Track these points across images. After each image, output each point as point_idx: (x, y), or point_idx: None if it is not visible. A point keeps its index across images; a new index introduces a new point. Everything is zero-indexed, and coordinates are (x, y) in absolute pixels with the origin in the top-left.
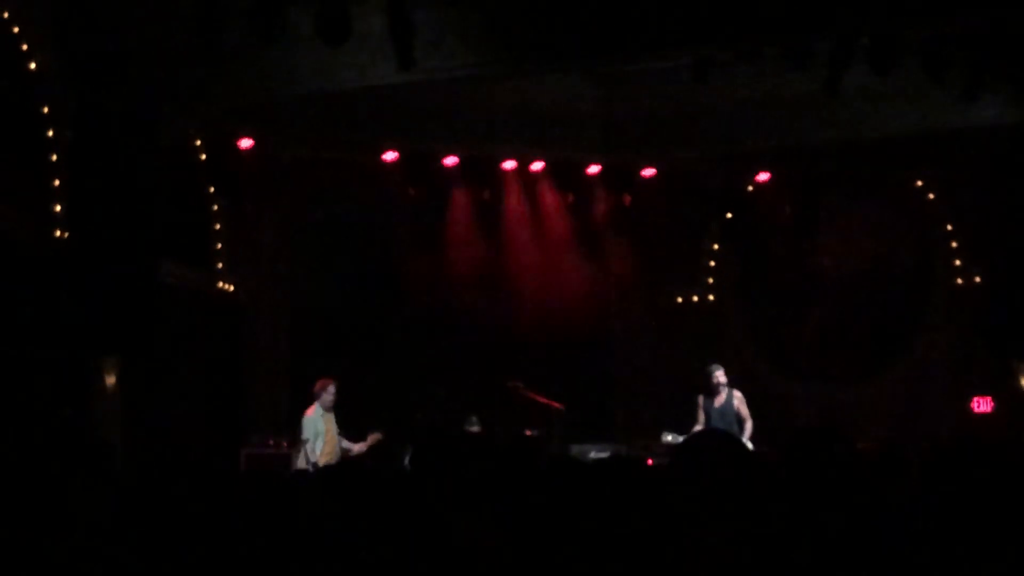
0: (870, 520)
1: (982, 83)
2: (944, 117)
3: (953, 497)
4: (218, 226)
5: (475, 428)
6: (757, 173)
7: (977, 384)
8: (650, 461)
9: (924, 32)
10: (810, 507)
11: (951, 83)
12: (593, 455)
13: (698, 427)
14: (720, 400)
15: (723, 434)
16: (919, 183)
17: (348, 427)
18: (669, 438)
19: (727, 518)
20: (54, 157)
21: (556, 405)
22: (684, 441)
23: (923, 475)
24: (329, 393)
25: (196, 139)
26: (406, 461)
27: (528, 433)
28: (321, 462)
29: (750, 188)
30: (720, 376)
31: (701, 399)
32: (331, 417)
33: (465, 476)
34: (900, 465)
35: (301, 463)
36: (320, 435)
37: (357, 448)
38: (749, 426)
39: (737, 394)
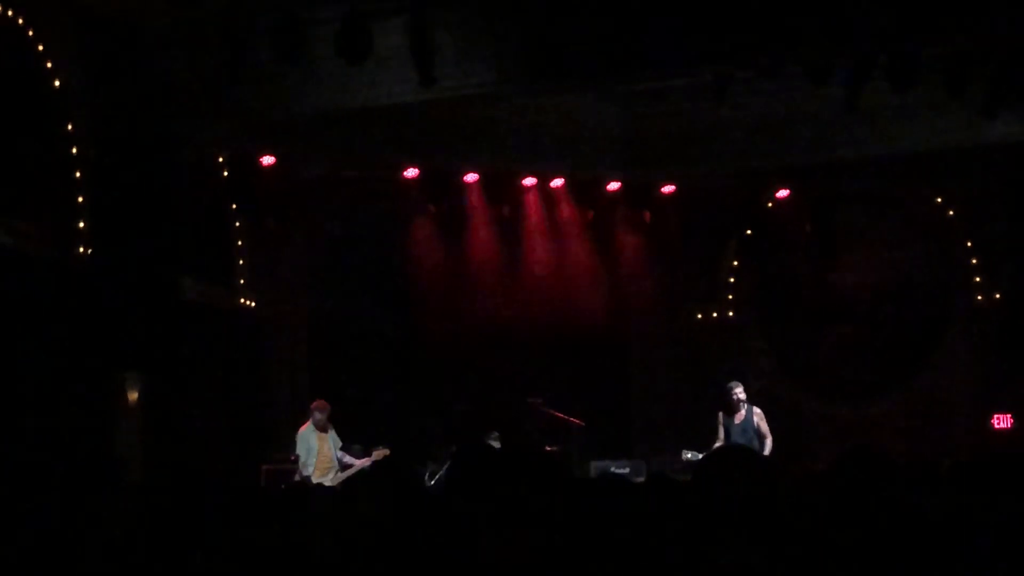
0: (899, 537)
1: (1001, 100)
2: (963, 134)
3: (977, 512)
4: (239, 243)
5: (495, 444)
6: (776, 190)
7: (997, 401)
8: None
9: (943, 49)
10: (838, 524)
11: (970, 100)
12: (612, 472)
13: (718, 444)
14: (740, 417)
15: (746, 449)
16: (938, 200)
17: (367, 442)
18: (689, 455)
19: (750, 533)
20: (78, 174)
21: (576, 422)
22: (707, 455)
23: (946, 490)
24: (319, 415)
25: (218, 157)
26: (426, 476)
27: (548, 450)
28: (314, 478)
29: (769, 205)
30: (740, 393)
31: (721, 416)
32: (326, 436)
33: (499, 492)
34: (928, 481)
35: (298, 479)
36: (312, 451)
37: (360, 463)
38: (769, 443)
39: (756, 411)
